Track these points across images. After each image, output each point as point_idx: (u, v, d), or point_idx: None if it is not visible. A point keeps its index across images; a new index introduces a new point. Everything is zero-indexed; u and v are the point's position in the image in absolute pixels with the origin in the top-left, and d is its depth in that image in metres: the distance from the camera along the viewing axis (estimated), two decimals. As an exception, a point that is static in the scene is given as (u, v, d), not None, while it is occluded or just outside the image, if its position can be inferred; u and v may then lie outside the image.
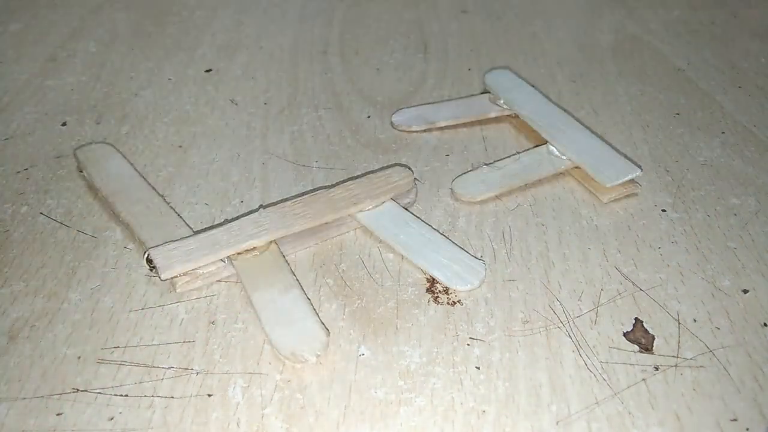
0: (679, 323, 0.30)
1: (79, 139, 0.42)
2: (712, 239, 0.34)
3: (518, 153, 0.39)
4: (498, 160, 0.38)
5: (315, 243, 0.34)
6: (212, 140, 0.41)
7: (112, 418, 0.26)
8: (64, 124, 0.43)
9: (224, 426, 0.26)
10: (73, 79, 0.47)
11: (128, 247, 0.34)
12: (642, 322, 0.30)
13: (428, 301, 0.31)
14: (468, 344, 0.29)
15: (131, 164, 0.38)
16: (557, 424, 0.26)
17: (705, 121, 0.42)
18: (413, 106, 0.43)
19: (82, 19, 0.55)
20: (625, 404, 0.26)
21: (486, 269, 0.32)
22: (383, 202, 0.34)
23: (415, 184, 0.37)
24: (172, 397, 0.27)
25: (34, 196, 0.37)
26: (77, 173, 0.39)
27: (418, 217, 0.34)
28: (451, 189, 0.37)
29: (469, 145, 0.40)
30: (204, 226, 0.35)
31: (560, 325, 0.29)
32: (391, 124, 0.42)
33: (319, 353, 0.28)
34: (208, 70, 0.49)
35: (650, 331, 0.29)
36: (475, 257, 0.32)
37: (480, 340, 0.29)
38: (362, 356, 0.28)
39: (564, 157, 0.38)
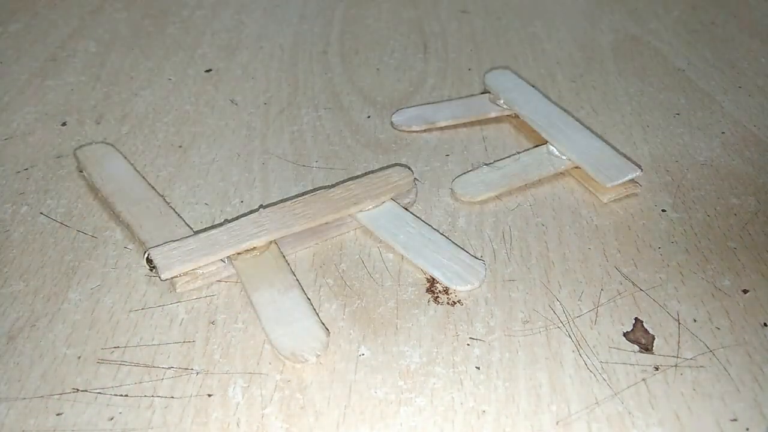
0: (679, 323, 0.30)
1: (79, 139, 0.42)
2: (712, 239, 0.34)
3: (518, 153, 0.39)
4: (498, 160, 0.38)
5: (315, 243, 0.34)
6: (212, 140, 0.41)
7: (112, 418, 0.26)
8: (64, 124, 0.43)
9: (224, 426, 0.26)
10: (73, 79, 0.47)
11: (128, 247, 0.34)
12: (642, 322, 0.30)
13: (428, 301, 0.31)
14: (468, 344, 0.29)
15: (131, 164, 0.38)
16: (557, 424, 0.26)
17: (705, 121, 0.42)
18: (413, 106, 0.43)
19: (82, 19, 0.55)
20: (625, 404, 0.26)
21: (486, 269, 0.32)
22: (383, 202, 0.34)
23: (415, 184, 0.37)
24: (172, 397, 0.27)
25: (34, 196, 0.37)
26: (77, 173, 0.39)
27: (418, 217, 0.34)
28: (451, 189, 0.37)
29: (469, 145, 0.40)
30: (204, 226, 0.35)
31: (560, 325, 0.29)
32: (391, 124, 0.42)
33: (319, 353, 0.28)
34: (208, 70, 0.49)
35: (650, 331, 0.29)
36: (475, 257, 0.32)
37: (480, 340, 0.29)
38: (362, 356, 0.28)
39: (564, 157, 0.38)
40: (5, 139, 0.42)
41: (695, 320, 0.30)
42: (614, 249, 0.33)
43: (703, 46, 0.50)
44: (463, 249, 0.33)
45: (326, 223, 0.34)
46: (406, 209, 0.35)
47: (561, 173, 0.38)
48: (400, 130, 0.42)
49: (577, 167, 0.37)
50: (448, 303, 0.31)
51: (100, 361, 0.28)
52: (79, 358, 0.28)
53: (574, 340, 0.29)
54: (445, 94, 0.45)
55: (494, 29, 0.53)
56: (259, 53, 0.51)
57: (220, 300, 0.31)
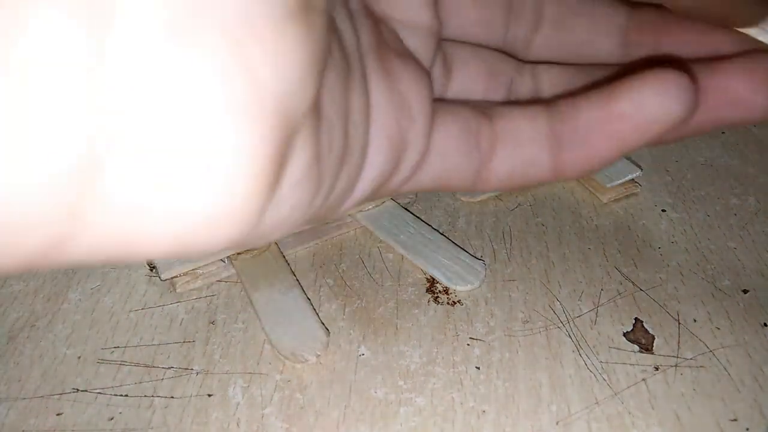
0: (679, 323, 0.30)
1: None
2: (712, 239, 0.34)
3: (518, 153, 0.39)
4: (498, 160, 0.38)
5: (315, 243, 0.34)
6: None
7: (112, 418, 0.26)
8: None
9: (224, 426, 0.26)
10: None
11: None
12: (642, 322, 0.30)
13: (428, 301, 0.31)
14: (468, 344, 0.29)
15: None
16: (557, 424, 0.26)
17: (705, 121, 0.42)
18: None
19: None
20: (625, 404, 0.26)
21: (486, 269, 0.32)
22: (383, 202, 0.34)
23: (415, 184, 0.36)
24: (172, 397, 0.27)
25: (34, 196, 0.37)
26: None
27: (418, 217, 0.34)
28: (451, 189, 0.37)
29: (469, 145, 0.40)
30: (204, 226, 0.35)
31: (560, 325, 0.29)
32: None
33: (319, 353, 0.28)
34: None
35: (650, 331, 0.29)
36: (475, 257, 0.32)
37: (480, 340, 0.29)
38: (362, 356, 0.28)
39: (564, 157, 0.38)
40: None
41: (695, 320, 0.30)
42: (614, 249, 0.33)
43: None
44: (463, 249, 0.33)
45: (326, 223, 0.34)
46: (406, 209, 0.35)
47: (561, 173, 0.38)
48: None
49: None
50: (448, 303, 0.31)
51: (100, 361, 0.28)
52: (79, 358, 0.28)
53: (574, 340, 0.29)
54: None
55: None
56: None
57: (220, 300, 0.31)
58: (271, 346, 0.28)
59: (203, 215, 0.10)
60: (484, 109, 0.16)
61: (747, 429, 0.26)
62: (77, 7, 0.08)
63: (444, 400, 0.27)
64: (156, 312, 0.30)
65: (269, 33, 0.09)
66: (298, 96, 0.10)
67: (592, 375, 0.27)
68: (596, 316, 0.30)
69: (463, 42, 0.17)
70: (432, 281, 0.32)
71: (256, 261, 0.32)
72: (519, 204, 0.36)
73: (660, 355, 0.28)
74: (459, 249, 0.33)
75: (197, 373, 0.28)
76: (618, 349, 0.28)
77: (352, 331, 0.29)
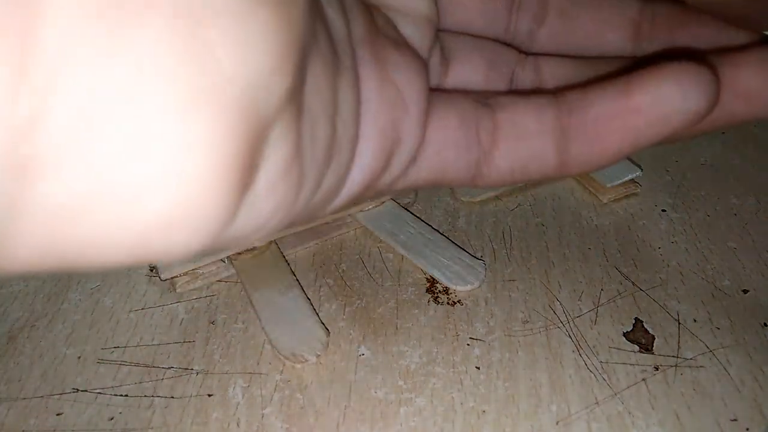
0: (679, 323, 0.30)
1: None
2: (712, 239, 0.34)
3: (518, 153, 0.39)
4: (498, 160, 0.38)
5: (315, 243, 0.34)
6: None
7: (112, 418, 0.26)
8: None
9: (224, 426, 0.26)
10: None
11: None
12: (642, 322, 0.30)
13: (428, 301, 0.31)
14: (468, 344, 0.29)
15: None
16: (557, 424, 0.26)
17: (705, 121, 0.42)
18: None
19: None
20: (625, 404, 0.26)
21: (486, 269, 0.32)
22: (383, 202, 0.34)
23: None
24: (172, 397, 0.27)
25: (34, 196, 0.37)
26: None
27: (418, 217, 0.34)
28: (451, 189, 0.37)
29: (469, 145, 0.40)
30: (204, 226, 0.35)
31: (560, 325, 0.29)
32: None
33: (319, 353, 0.28)
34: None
35: (650, 331, 0.29)
36: (475, 257, 0.32)
37: (480, 340, 0.29)
38: (362, 356, 0.28)
39: (564, 157, 0.38)
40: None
41: (695, 320, 0.30)
42: (614, 249, 0.33)
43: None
44: (463, 249, 0.33)
45: (326, 223, 0.34)
46: (406, 209, 0.35)
47: (561, 173, 0.38)
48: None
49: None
50: (448, 303, 0.31)
51: (100, 361, 0.28)
52: (79, 358, 0.28)
53: (574, 340, 0.29)
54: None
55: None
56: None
57: (220, 300, 0.31)
58: (271, 346, 0.28)
59: (157, 221, 0.09)
60: (485, 99, 0.15)
61: (747, 429, 0.26)
62: None
63: (444, 400, 0.27)
64: (156, 312, 0.30)
65: (234, 16, 0.08)
66: (270, 87, 0.09)
67: (592, 375, 0.27)
68: (596, 316, 0.30)
69: (464, 33, 0.17)
70: (432, 281, 0.32)
71: (256, 261, 0.32)
72: (519, 204, 0.36)
73: (660, 355, 0.28)
74: (459, 249, 0.33)
75: (197, 373, 0.28)
76: (618, 349, 0.28)
77: (352, 331, 0.29)
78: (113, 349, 0.29)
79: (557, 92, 0.15)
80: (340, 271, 0.32)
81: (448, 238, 0.33)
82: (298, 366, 0.28)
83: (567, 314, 0.30)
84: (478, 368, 0.28)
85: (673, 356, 0.28)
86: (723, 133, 0.41)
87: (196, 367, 0.28)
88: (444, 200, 0.37)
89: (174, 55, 0.08)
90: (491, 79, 0.17)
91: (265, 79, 0.09)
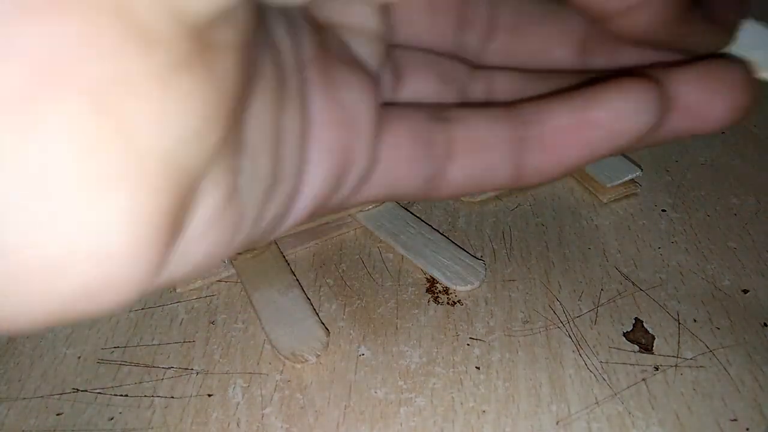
0: (679, 323, 0.30)
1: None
2: (712, 239, 0.34)
3: (518, 153, 0.39)
4: (498, 160, 0.38)
5: (315, 243, 0.34)
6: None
7: (112, 418, 0.26)
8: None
9: (224, 426, 0.26)
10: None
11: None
12: (642, 322, 0.30)
13: (428, 301, 0.31)
14: (468, 344, 0.29)
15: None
16: (557, 424, 0.26)
17: (705, 121, 0.42)
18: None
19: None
20: (625, 404, 0.26)
21: (486, 269, 0.32)
22: (383, 202, 0.34)
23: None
24: (172, 397, 0.27)
25: (34, 196, 0.37)
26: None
27: (418, 217, 0.34)
28: (451, 189, 0.37)
29: (469, 145, 0.40)
30: (204, 226, 0.35)
31: (560, 325, 0.29)
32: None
33: (319, 353, 0.28)
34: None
35: (650, 331, 0.29)
36: (475, 257, 0.32)
37: (480, 340, 0.29)
38: (362, 356, 0.28)
39: (564, 157, 0.38)
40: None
41: (695, 320, 0.30)
42: (614, 249, 0.33)
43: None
44: (463, 249, 0.33)
45: (326, 223, 0.34)
46: (406, 209, 0.35)
47: (561, 173, 0.38)
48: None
49: (577, 167, 0.37)
50: (448, 303, 0.31)
51: (100, 361, 0.28)
52: (79, 358, 0.28)
53: (574, 340, 0.29)
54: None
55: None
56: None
57: (220, 300, 0.31)
58: (271, 346, 0.28)
59: (77, 293, 0.09)
60: (439, 113, 0.15)
61: (747, 429, 0.26)
62: None
63: (444, 400, 0.27)
64: (156, 312, 0.30)
65: (149, 89, 0.08)
66: (197, 145, 0.09)
67: (592, 375, 0.27)
68: (596, 316, 0.30)
69: (415, 48, 0.17)
70: (432, 281, 0.32)
71: (256, 261, 0.32)
72: (519, 204, 0.36)
73: (660, 355, 0.28)
74: (459, 249, 0.33)
75: (197, 373, 0.28)
76: (618, 349, 0.28)
77: (352, 331, 0.29)
78: (113, 349, 0.29)
79: (511, 105, 0.15)
80: (340, 271, 0.32)
81: (448, 238, 0.33)
82: (298, 366, 0.28)
83: (567, 314, 0.30)
84: (478, 368, 0.28)
85: (673, 356, 0.28)
86: (723, 132, 0.41)
87: (196, 367, 0.28)
88: (444, 200, 0.37)
89: (87, 138, 0.08)
90: (443, 92, 0.16)
91: (189, 140, 0.09)
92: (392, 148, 0.14)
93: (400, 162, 0.14)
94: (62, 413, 0.26)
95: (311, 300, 0.30)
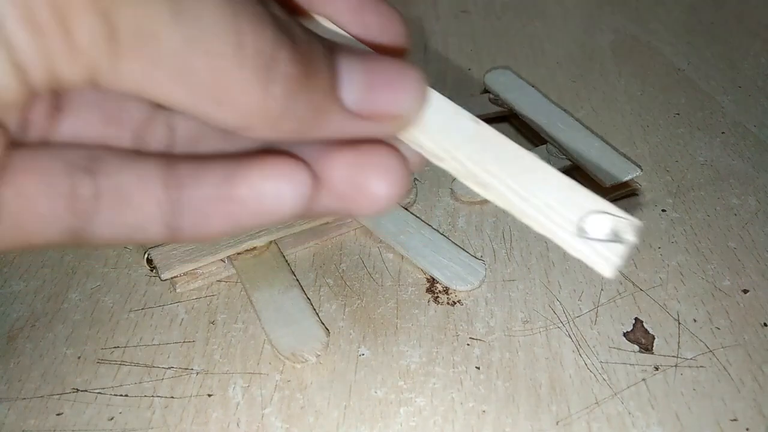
0: (679, 323, 0.30)
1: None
2: (712, 239, 0.34)
3: (518, 153, 0.39)
4: (498, 160, 0.38)
5: (315, 243, 0.34)
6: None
7: (112, 418, 0.26)
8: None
9: (224, 426, 0.26)
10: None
11: (128, 247, 0.34)
12: (642, 322, 0.30)
13: (428, 301, 0.31)
14: (468, 344, 0.29)
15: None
16: (557, 424, 0.26)
17: (705, 121, 0.42)
18: (413, 106, 0.43)
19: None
20: (625, 404, 0.26)
21: (486, 269, 0.32)
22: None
23: (415, 184, 0.37)
24: (172, 397, 0.27)
25: (34, 196, 0.37)
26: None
27: (418, 217, 0.34)
28: (451, 189, 0.37)
29: (469, 145, 0.40)
30: (204, 226, 0.34)
31: (560, 325, 0.29)
32: (391, 124, 0.42)
33: (319, 353, 0.28)
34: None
35: (650, 331, 0.29)
36: (475, 257, 0.32)
37: (480, 340, 0.29)
38: (362, 356, 0.28)
39: (564, 157, 0.38)
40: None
41: (695, 320, 0.30)
42: (614, 249, 0.33)
43: (703, 46, 0.50)
44: (463, 249, 0.33)
45: (326, 223, 0.34)
46: (406, 209, 0.35)
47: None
48: (400, 130, 0.42)
49: (577, 167, 0.37)
50: (448, 303, 0.31)
51: (100, 361, 0.28)
52: (79, 358, 0.28)
53: (574, 340, 0.29)
54: (445, 94, 0.45)
55: (494, 29, 0.53)
56: (259, 53, 0.50)
57: (220, 300, 0.31)
58: (271, 346, 0.28)
59: None
60: (89, 162, 0.14)
61: (747, 429, 0.26)
62: None
63: (444, 400, 0.27)
64: (156, 312, 0.30)
65: None
66: None
67: (592, 375, 0.27)
68: (596, 316, 0.30)
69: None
70: (432, 281, 0.32)
71: (256, 261, 0.32)
72: (519, 204, 0.36)
73: (660, 355, 0.28)
74: (459, 249, 0.33)
75: (197, 373, 0.28)
76: (618, 349, 0.28)
77: (352, 331, 0.29)
78: (113, 349, 0.29)
79: (171, 160, 0.15)
80: (340, 271, 0.32)
81: (448, 238, 0.33)
82: (298, 366, 0.28)
83: (567, 314, 0.30)
84: (478, 368, 0.28)
85: (673, 356, 0.28)
86: (723, 132, 0.41)
87: (196, 367, 0.28)
88: (444, 200, 0.37)
89: None
90: (110, 135, 0.15)
91: None
92: (19, 198, 0.13)
93: (28, 212, 0.13)
94: (62, 413, 0.26)
95: (311, 300, 0.30)
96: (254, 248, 0.32)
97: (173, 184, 0.14)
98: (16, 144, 0.14)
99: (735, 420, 0.26)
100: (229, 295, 0.31)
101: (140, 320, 0.30)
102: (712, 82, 0.46)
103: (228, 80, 0.13)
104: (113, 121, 0.15)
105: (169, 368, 0.28)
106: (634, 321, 0.30)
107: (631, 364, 0.28)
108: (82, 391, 0.27)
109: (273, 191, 0.14)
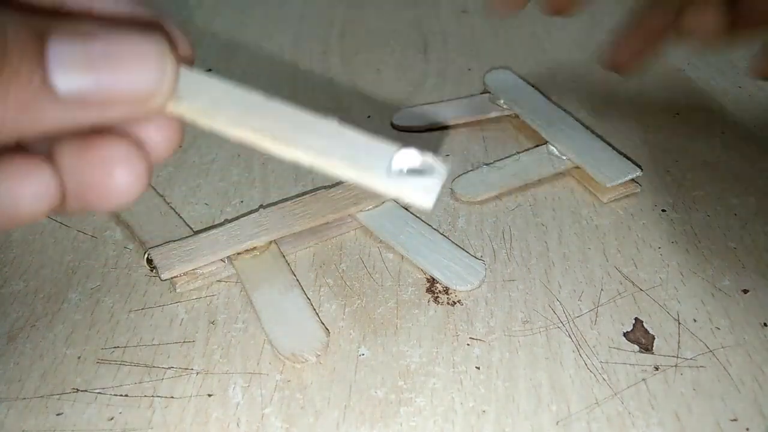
0: (679, 323, 0.30)
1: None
2: (712, 239, 0.34)
3: (518, 153, 0.39)
4: (498, 160, 0.38)
5: (315, 243, 0.34)
6: (212, 140, 0.41)
7: (112, 418, 0.26)
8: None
9: (224, 426, 0.26)
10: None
11: (128, 247, 0.34)
12: (642, 322, 0.30)
13: (428, 301, 0.31)
14: (468, 344, 0.29)
15: (131, 164, 0.38)
16: (557, 424, 0.26)
17: (705, 121, 0.42)
18: (413, 106, 0.43)
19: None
20: (625, 404, 0.26)
21: (486, 269, 0.32)
22: (383, 202, 0.34)
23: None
24: (172, 397, 0.27)
25: (34, 196, 0.37)
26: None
27: (418, 217, 0.34)
28: (451, 189, 0.37)
29: (469, 145, 0.40)
30: (204, 226, 0.35)
31: (560, 325, 0.29)
32: (392, 124, 0.42)
33: (319, 353, 0.28)
34: (209, 70, 0.48)
35: (650, 331, 0.29)
36: (475, 257, 0.32)
37: (480, 340, 0.29)
38: (362, 356, 0.28)
39: (564, 157, 0.38)
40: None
41: (695, 320, 0.30)
42: (614, 249, 0.33)
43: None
44: (463, 249, 0.33)
45: (326, 223, 0.34)
46: (406, 209, 0.35)
47: (561, 173, 0.38)
48: (400, 131, 0.42)
49: (577, 167, 0.37)
50: (448, 303, 0.31)
51: (100, 361, 0.28)
52: (79, 358, 0.28)
53: (574, 340, 0.29)
54: (446, 94, 0.45)
55: (494, 29, 0.53)
56: (259, 53, 0.51)
57: (220, 300, 0.31)
58: (271, 346, 0.28)
59: None
60: None
61: (747, 429, 0.26)
62: None
63: (444, 400, 0.27)
64: (156, 312, 0.30)
65: None
66: None
67: (592, 375, 0.27)
68: (596, 316, 0.30)
69: None
70: (432, 281, 0.32)
71: (256, 261, 0.32)
72: (519, 204, 0.36)
73: (660, 355, 0.28)
74: (459, 249, 0.33)
75: (197, 373, 0.28)
76: (618, 349, 0.28)
77: (352, 331, 0.29)
78: (113, 349, 0.29)
79: None
80: (340, 271, 0.32)
81: (448, 238, 0.33)
82: (298, 366, 0.28)
83: (567, 314, 0.30)
84: (478, 368, 0.28)
85: (673, 356, 0.28)
86: (723, 132, 0.41)
87: (196, 367, 0.28)
88: (444, 200, 0.37)
89: None
90: None
91: None
92: None
93: None
94: (62, 413, 0.26)
95: (311, 300, 0.30)
96: (254, 248, 0.32)
97: None
98: None
99: (735, 420, 0.26)
100: (229, 295, 0.31)
101: (140, 320, 0.30)
102: (712, 82, 0.46)
103: None
104: None
105: (169, 368, 0.28)
106: (634, 321, 0.30)
107: (631, 364, 0.28)
108: (82, 391, 0.27)
109: (9, 193, 0.13)
